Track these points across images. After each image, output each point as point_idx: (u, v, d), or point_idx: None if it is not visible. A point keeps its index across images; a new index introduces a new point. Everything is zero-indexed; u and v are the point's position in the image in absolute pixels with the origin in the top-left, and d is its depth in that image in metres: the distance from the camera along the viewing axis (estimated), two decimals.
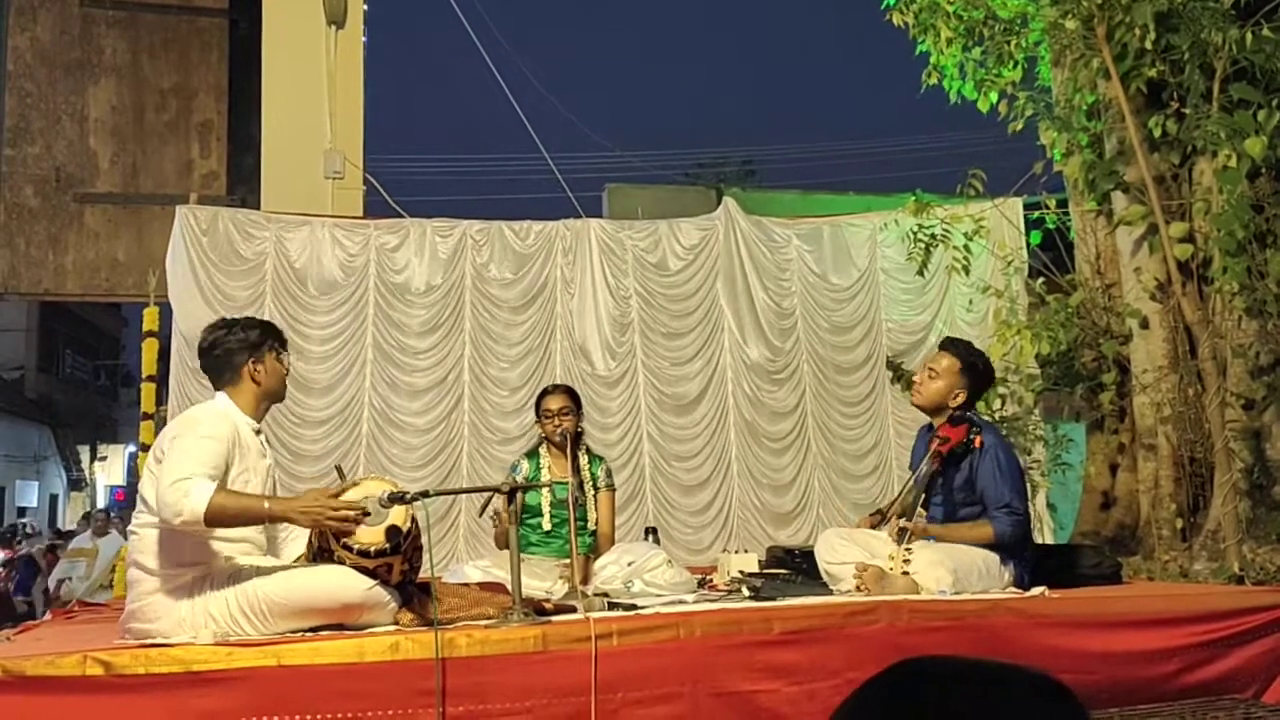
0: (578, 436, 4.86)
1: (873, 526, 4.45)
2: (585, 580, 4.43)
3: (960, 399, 4.28)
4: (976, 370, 4.33)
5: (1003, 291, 6.95)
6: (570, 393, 4.96)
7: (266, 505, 3.25)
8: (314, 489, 3.31)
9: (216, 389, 3.54)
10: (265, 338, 3.55)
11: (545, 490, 4.71)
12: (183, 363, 6.68)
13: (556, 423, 4.79)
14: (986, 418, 6.25)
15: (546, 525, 4.73)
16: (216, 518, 3.12)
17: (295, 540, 3.68)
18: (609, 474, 5.00)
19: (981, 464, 4.16)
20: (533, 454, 4.95)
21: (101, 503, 23.68)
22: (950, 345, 4.43)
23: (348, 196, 8.28)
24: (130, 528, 3.44)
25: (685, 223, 7.62)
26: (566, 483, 4.42)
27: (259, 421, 3.55)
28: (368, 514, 3.22)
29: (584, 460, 4.89)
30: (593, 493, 4.86)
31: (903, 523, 4.10)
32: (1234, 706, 3.40)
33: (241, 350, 3.51)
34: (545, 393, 4.96)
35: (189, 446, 3.21)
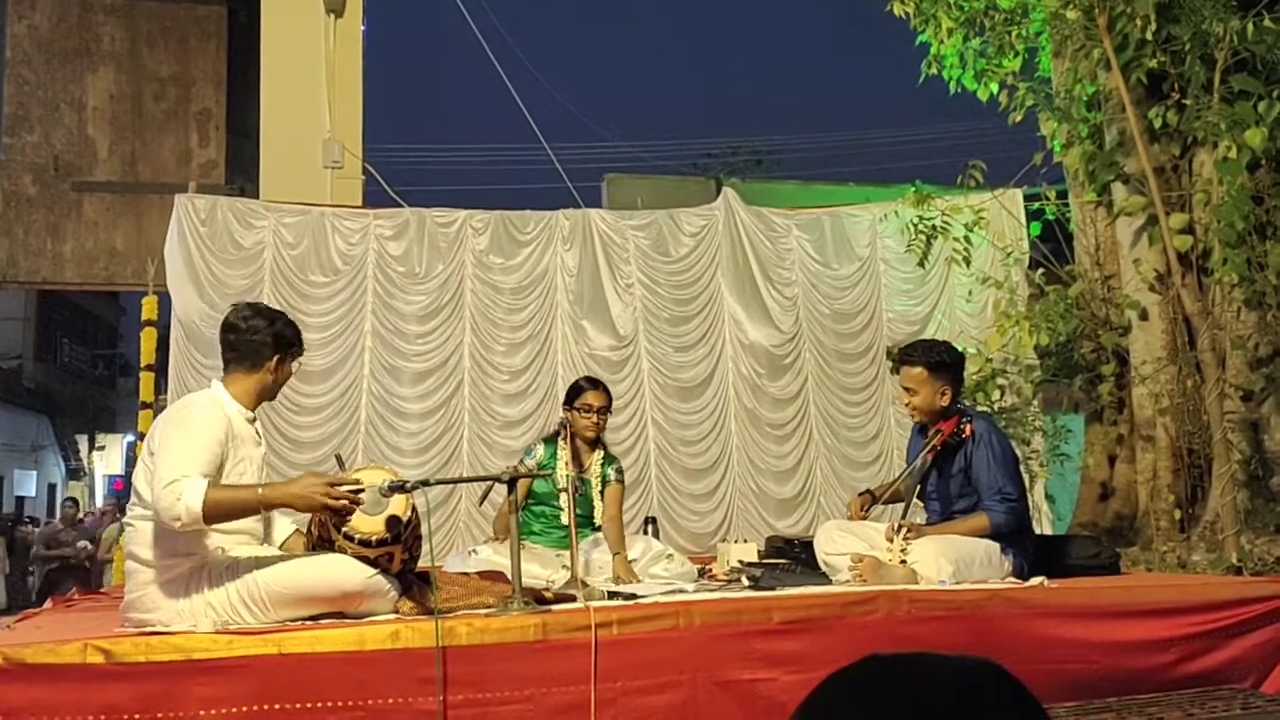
0: (600, 434, 4.87)
1: (862, 508, 4.44)
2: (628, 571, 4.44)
3: (947, 396, 4.27)
4: (944, 365, 4.29)
5: (1002, 282, 6.95)
6: (608, 391, 4.92)
7: (260, 493, 3.24)
8: (309, 473, 3.30)
9: (226, 370, 3.52)
10: (294, 343, 3.57)
11: (562, 480, 4.69)
12: (181, 351, 6.68)
13: (596, 419, 4.77)
14: (983, 408, 6.27)
15: (565, 519, 4.66)
16: (214, 514, 3.11)
17: (283, 513, 3.65)
18: (619, 471, 4.93)
19: (975, 452, 4.17)
20: (550, 440, 4.90)
21: (100, 493, 23.68)
22: (907, 356, 4.34)
23: (347, 186, 8.27)
24: (125, 519, 3.43)
25: (685, 212, 7.63)
26: (569, 476, 4.43)
27: (252, 410, 3.53)
28: (362, 491, 3.22)
29: (598, 457, 4.86)
30: (599, 487, 4.82)
31: (901, 522, 4.11)
32: (1232, 696, 3.41)
33: (275, 345, 3.50)
34: (583, 388, 4.88)
35: (180, 446, 3.18)
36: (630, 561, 4.53)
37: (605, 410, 4.82)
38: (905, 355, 4.37)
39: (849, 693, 0.87)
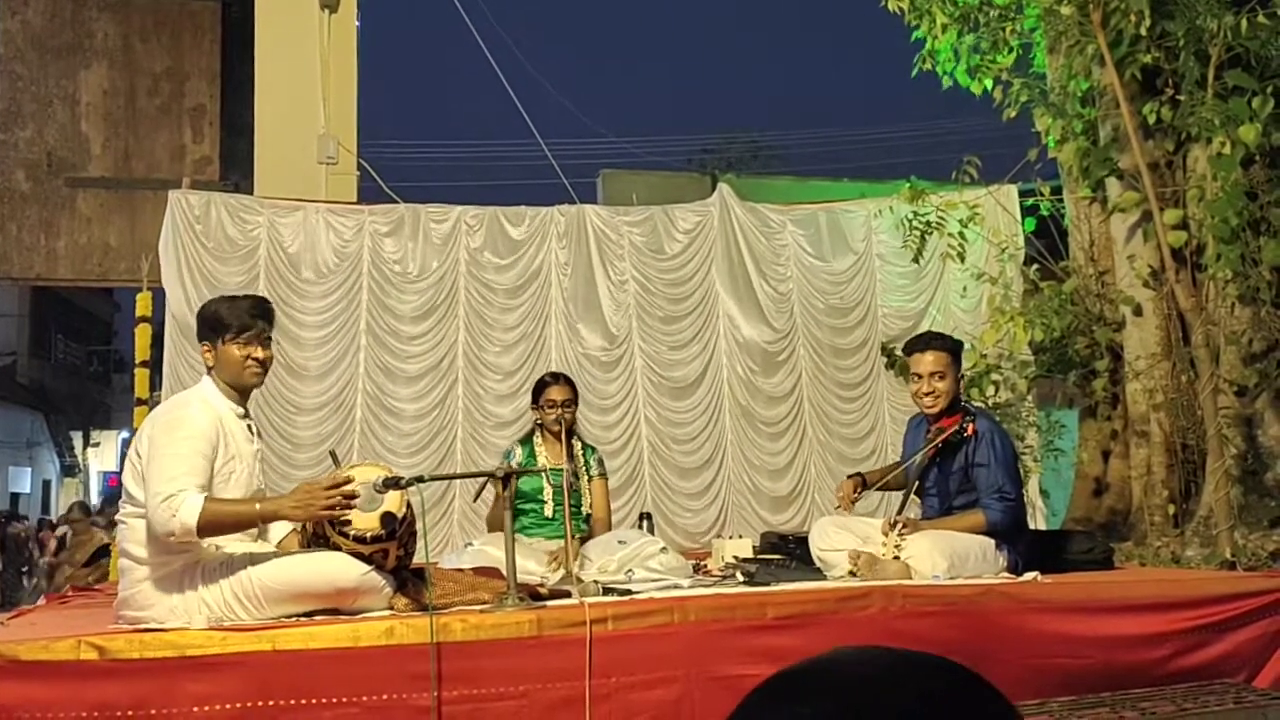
0: (571, 426, 4.96)
1: (854, 490, 4.40)
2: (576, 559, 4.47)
3: (959, 385, 4.33)
4: (959, 351, 4.40)
5: (997, 278, 6.95)
6: (572, 384, 5.05)
7: (258, 508, 3.23)
8: (304, 483, 3.29)
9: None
10: (228, 324, 3.38)
11: (546, 476, 4.78)
12: (176, 348, 6.66)
13: (560, 413, 4.86)
14: (979, 404, 6.28)
15: (549, 512, 4.80)
16: (209, 530, 3.12)
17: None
18: (600, 463, 5.09)
19: (978, 451, 4.17)
20: (526, 440, 5.04)
21: (95, 489, 23.65)
22: (934, 341, 4.33)
23: (341, 182, 8.24)
24: (118, 516, 3.42)
25: (680, 208, 7.62)
26: (562, 469, 4.47)
27: (241, 405, 3.49)
28: (357, 496, 3.22)
29: (577, 448, 4.97)
30: (586, 479, 4.94)
31: (896, 517, 4.11)
32: (1225, 691, 3.41)
33: (211, 330, 3.43)
34: (547, 383, 5.02)
35: (171, 453, 3.16)
36: (619, 543, 4.53)
37: (570, 403, 4.94)
38: (930, 341, 4.36)
39: (799, 691, 0.84)
